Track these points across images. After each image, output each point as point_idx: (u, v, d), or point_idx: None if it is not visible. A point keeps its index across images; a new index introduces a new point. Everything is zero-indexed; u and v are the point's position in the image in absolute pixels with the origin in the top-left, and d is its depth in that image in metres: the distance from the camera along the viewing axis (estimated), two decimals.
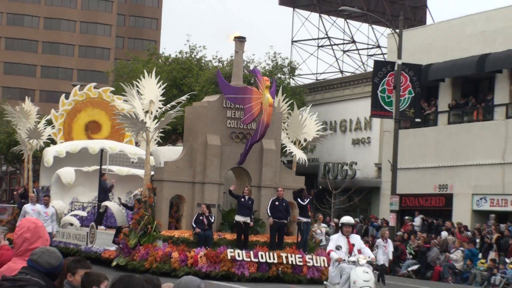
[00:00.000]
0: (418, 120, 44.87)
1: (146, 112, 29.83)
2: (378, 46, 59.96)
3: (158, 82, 30.34)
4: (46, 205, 29.69)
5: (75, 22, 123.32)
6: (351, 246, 20.41)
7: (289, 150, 32.46)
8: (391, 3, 58.81)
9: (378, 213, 47.57)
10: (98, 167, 34.22)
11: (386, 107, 43.39)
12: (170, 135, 53.28)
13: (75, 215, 34.84)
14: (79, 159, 36.49)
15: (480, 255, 36.45)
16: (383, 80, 43.47)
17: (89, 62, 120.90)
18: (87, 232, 32.86)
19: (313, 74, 62.23)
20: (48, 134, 38.16)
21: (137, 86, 30.05)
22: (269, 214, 28.99)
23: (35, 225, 7.75)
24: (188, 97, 31.89)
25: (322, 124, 36.64)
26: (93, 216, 34.24)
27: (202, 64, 60.15)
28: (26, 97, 39.94)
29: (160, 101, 30.54)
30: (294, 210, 30.09)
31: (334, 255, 20.18)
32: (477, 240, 37.46)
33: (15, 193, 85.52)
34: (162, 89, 30.64)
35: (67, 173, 35.61)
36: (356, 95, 51.25)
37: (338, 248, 20.30)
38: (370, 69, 51.80)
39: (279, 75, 54.85)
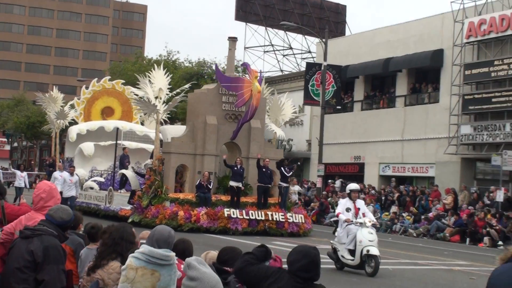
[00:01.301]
0: (338, 107, 41.94)
1: (156, 97, 25.15)
2: (309, 52, 56.16)
3: (165, 74, 25.40)
4: (71, 174, 25.38)
5: (80, 32, 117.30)
6: (357, 210, 16.31)
7: (271, 128, 27.79)
8: (319, 19, 55.02)
9: (309, 178, 43.97)
10: (113, 142, 29.53)
11: (315, 98, 40.66)
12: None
13: (95, 181, 29.86)
14: (97, 135, 31.76)
15: (384, 209, 33.99)
16: (313, 77, 40.75)
17: (91, 62, 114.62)
18: (105, 194, 28.11)
19: (260, 72, 57.76)
20: (71, 116, 33.02)
21: (149, 76, 25.29)
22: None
23: (50, 187, 6.68)
24: (191, 85, 26.88)
25: (295, 108, 33.09)
26: (108, 182, 29.31)
27: (176, 65, 56.36)
28: (54, 86, 35.24)
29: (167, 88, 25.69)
30: (275, 176, 25.89)
31: (343, 216, 16.13)
32: (383, 198, 35.02)
33: (32, 162, 79.51)
34: (169, 79, 25.69)
35: (88, 146, 31.06)
36: (293, 88, 47.13)
37: (347, 210, 16.20)
38: (303, 68, 48.59)
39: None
